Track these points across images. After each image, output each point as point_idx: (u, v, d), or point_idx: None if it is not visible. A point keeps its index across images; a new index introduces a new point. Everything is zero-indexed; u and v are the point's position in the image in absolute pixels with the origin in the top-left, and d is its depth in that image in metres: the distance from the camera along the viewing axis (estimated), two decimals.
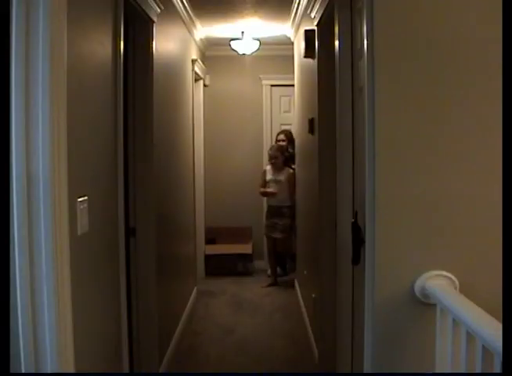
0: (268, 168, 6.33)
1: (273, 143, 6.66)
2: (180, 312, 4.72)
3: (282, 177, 6.19)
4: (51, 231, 1.61)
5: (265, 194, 6.35)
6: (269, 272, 6.43)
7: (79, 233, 1.93)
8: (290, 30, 5.84)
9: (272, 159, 6.25)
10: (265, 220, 6.39)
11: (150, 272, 3.36)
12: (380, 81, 1.91)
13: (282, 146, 6.33)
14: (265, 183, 6.31)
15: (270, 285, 6.19)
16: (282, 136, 6.55)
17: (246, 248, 6.62)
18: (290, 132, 6.55)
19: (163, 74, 3.78)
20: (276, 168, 6.24)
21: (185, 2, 4.72)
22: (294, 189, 5.98)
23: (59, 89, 1.66)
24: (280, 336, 4.63)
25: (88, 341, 2.06)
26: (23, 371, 1.61)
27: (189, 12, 5.03)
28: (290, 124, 7.02)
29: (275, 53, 6.81)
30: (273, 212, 6.20)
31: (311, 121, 4.16)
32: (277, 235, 6.20)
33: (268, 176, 6.28)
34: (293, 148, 6.24)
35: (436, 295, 1.81)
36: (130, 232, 3.17)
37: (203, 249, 6.58)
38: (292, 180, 6.06)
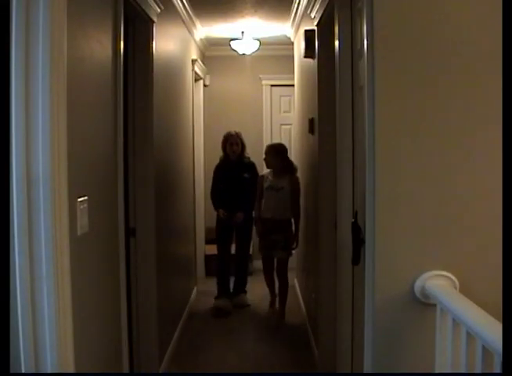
0: (267, 172, 5.12)
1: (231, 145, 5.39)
2: (180, 312, 4.72)
3: (284, 183, 4.92)
4: (51, 231, 1.61)
5: (257, 227, 5.10)
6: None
7: (79, 233, 1.93)
8: (290, 30, 5.84)
9: (267, 159, 5.05)
10: (258, 238, 5.17)
11: (150, 273, 3.37)
12: (380, 80, 1.91)
13: (276, 146, 5.13)
14: (261, 193, 5.05)
15: (278, 326, 4.86)
16: (235, 138, 5.39)
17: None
18: (241, 135, 5.43)
19: (163, 74, 3.78)
20: (277, 173, 4.98)
21: (185, 2, 4.72)
22: (299, 198, 4.94)
23: (60, 89, 1.66)
24: (280, 336, 4.63)
25: (88, 341, 2.06)
26: (23, 371, 1.60)
27: (189, 12, 5.04)
28: (290, 124, 7.03)
29: (275, 53, 6.81)
30: (272, 227, 4.91)
31: (311, 121, 4.16)
32: (278, 254, 4.96)
33: (267, 183, 4.99)
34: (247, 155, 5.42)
35: (436, 295, 1.81)
36: (130, 232, 3.17)
37: (203, 249, 6.58)
38: (297, 188, 4.92)
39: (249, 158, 5.50)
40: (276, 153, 5.01)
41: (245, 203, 5.26)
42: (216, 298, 5.38)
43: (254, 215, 5.16)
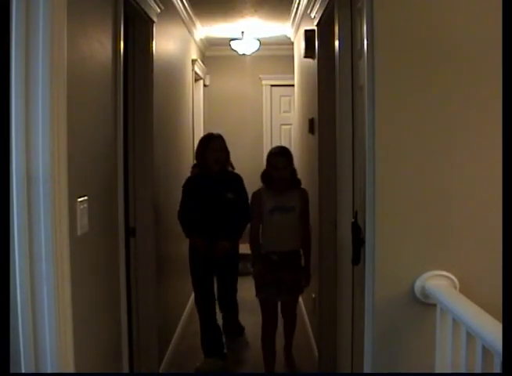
0: (264, 189, 3.67)
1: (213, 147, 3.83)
2: (180, 312, 4.72)
3: (294, 202, 3.63)
4: (51, 231, 1.61)
5: (256, 266, 3.71)
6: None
7: (79, 233, 1.93)
8: (290, 30, 5.85)
9: (280, 170, 3.59)
10: (254, 274, 3.75)
11: (150, 273, 3.37)
12: (380, 80, 1.91)
13: (285, 152, 3.71)
14: (260, 218, 3.66)
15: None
16: (220, 143, 3.88)
17: (246, 248, 6.59)
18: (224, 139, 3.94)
19: (163, 74, 3.78)
20: (282, 188, 3.63)
21: (185, 2, 4.72)
22: (309, 219, 3.77)
23: (59, 89, 1.66)
24: (280, 336, 4.63)
25: (88, 341, 2.06)
26: (23, 371, 1.60)
27: (189, 12, 5.04)
28: (290, 124, 7.04)
29: (275, 53, 6.83)
30: (277, 263, 3.62)
31: (311, 121, 4.16)
32: (284, 297, 3.71)
33: (269, 204, 3.61)
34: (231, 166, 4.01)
35: (436, 295, 1.81)
36: (130, 232, 3.17)
37: None
38: (307, 205, 3.73)
39: (233, 170, 4.03)
40: (289, 160, 3.67)
41: (230, 228, 3.87)
42: (205, 356, 4.03)
43: (250, 249, 3.77)
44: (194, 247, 3.91)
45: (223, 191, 3.87)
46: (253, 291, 3.96)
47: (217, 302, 4.11)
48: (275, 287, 3.63)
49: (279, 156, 3.67)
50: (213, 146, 3.86)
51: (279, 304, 3.79)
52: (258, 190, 3.71)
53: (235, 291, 4.17)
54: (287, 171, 3.64)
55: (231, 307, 4.23)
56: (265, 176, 3.69)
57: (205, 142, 3.93)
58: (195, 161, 3.96)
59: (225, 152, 3.91)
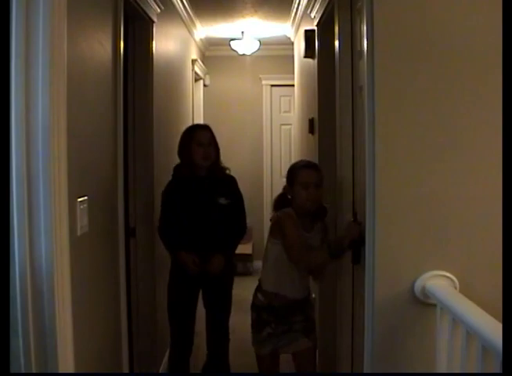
0: (291, 211, 2.71)
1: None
2: None
3: (319, 239, 2.81)
4: (51, 231, 1.61)
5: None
6: None
7: (79, 233, 1.93)
8: (290, 30, 5.85)
9: (313, 191, 2.69)
10: (254, 322, 2.92)
11: (150, 273, 3.36)
12: (380, 81, 1.91)
13: (317, 167, 2.85)
14: (305, 248, 2.68)
15: None
16: (208, 136, 3.23)
17: (246, 248, 6.60)
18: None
19: (163, 74, 3.78)
20: (309, 218, 2.78)
21: (185, 2, 4.72)
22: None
23: (59, 89, 1.66)
24: None
25: (88, 340, 2.06)
26: (23, 371, 1.60)
27: (189, 12, 5.04)
28: (290, 124, 7.03)
29: (275, 53, 6.83)
30: (286, 311, 2.82)
31: (311, 121, 4.16)
32: (299, 344, 2.87)
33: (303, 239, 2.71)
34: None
35: (436, 295, 1.80)
36: (130, 232, 3.17)
37: None
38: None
39: (226, 170, 3.35)
40: (321, 180, 2.76)
41: (223, 241, 3.22)
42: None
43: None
44: (180, 266, 3.20)
45: (214, 195, 3.20)
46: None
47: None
48: (282, 336, 2.85)
49: (313, 169, 2.75)
50: (199, 139, 3.15)
51: (291, 356, 2.96)
52: (290, 213, 2.70)
53: (226, 322, 3.35)
54: (320, 193, 2.73)
55: (221, 342, 3.40)
56: (285, 201, 2.78)
57: (188, 134, 3.21)
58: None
59: (214, 146, 3.22)
